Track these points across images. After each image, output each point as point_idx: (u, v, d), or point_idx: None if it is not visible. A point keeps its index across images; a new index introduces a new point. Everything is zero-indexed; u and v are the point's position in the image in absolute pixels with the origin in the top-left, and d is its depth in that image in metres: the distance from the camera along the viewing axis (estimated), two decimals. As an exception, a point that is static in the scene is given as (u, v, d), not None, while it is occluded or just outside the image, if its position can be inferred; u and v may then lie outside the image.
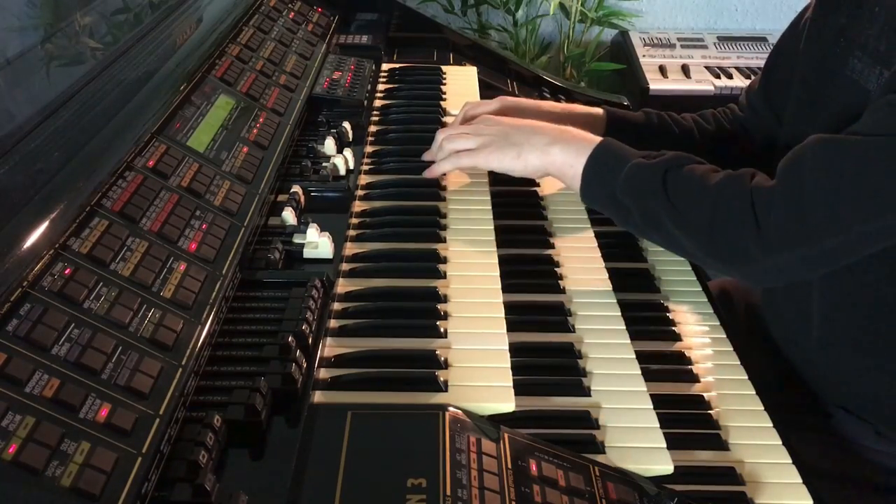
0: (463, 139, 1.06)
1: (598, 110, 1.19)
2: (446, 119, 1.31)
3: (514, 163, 1.01)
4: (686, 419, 0.84)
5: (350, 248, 0.98)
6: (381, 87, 1.43)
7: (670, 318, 0.99)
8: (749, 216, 0.85)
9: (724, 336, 0.97)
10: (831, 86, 0.95)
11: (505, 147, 1.02)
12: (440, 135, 1.10)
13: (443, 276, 0.93)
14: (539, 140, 1.00)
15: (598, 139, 0.98)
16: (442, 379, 0.77)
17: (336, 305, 0.88)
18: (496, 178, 1.13)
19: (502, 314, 0.88)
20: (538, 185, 1.19)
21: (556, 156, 0.99)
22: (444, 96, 1.40)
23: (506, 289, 0.92)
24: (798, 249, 0.84)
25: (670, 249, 0.98)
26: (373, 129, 1.28)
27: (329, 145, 1.11)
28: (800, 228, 0.83)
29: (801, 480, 0.77)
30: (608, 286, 0.99)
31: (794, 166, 0.84)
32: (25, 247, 0.61)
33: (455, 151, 1.06)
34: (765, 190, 0.85)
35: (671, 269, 1.07)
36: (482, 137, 1.04)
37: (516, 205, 1.12)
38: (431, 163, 1.10)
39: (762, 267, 0.87)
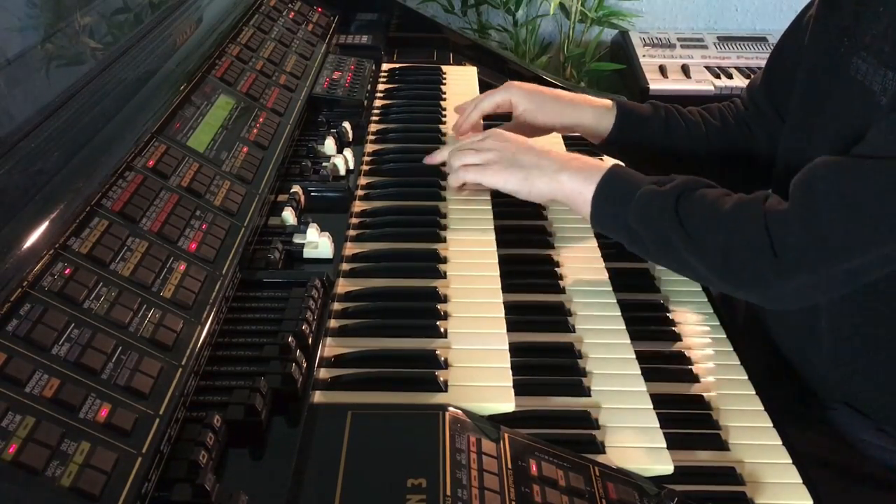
0: (469, 155, 1.06)
1: (608, 101, 1.19)
2: (446, 119, 1.31)
3: (520, 185, 1.01)
4: (686, 419, 0.84)
5: (350, 248, 0.98)
6: (381, 87, 1.43)
7: (670, 318, 0.99)
8: (764, 241, 0.84)
9: (724, 336, 0.97)
10: (835, 85, 0.95)
11: (512, 168, 1.02)
12: (445, 149, 1.12)
13: (443, 276, 0.93)
14: (548, 165, 1.00)
15: (608, 165, 0.98)
16: (442, 379, 0.77)
17: (336, 305, 0.88)
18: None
19: (502, 314, 0.88)
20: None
21: (564, 182, 0.98)
22: (444, 96, 1.40)
23: (506, 289, 0.92)
24: (815, 273, 0.84)
25: (683, 274, 0.97)
26: (373, 128, 1.28)
27: (329, 145, 1.11)
28: (817, 252, 0.83)
29: (801, 480, 0.78)
30: (608, 286, 0.99)
31: (807, 190, 0.84)
32: (25, 247, 0.61)
33: (462, 166, 1.06)
34: (779, 214, 0.85)
35: (671, 269, 1.07)
36: (489, 153, 1.04)
37: (516, 205, 1.11)
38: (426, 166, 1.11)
39: (779, 291, 0.87)
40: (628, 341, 0.90)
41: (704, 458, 0.80)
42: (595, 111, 1.18)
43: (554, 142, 1.27)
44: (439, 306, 0.88)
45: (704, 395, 0.88)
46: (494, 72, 1.60)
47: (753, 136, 1.16)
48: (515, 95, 1.17)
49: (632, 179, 0.96)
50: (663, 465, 0.75)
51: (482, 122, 1.23)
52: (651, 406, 0.81)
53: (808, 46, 1.02)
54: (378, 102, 1.37)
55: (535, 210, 1.13)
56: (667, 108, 1.19)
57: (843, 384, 1.03)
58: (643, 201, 0.92)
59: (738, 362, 0.93)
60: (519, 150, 1.04)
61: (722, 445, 0.82)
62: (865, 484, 1.00)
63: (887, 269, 0.85)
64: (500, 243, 1.01)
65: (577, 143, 1.29)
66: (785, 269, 0.84)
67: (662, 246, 0.92)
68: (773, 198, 0.88)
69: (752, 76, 1.21)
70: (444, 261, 0.96)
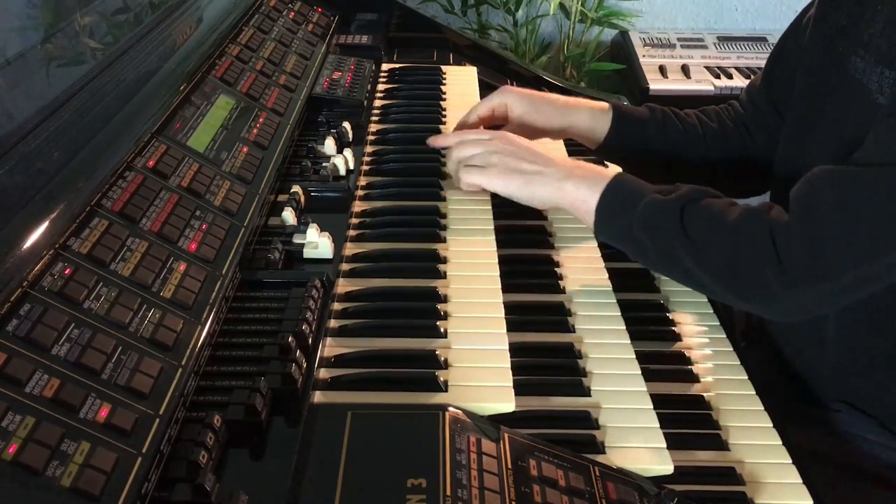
0: (470, 148, 1.04)
1: (604, 104, 1.18)
2: (446, 119, 1.31)
3: (520, 190, 1.00)
4: (686, 419, 0.84)
5: (350, 248, 0.98)
6: (381, 87, 1.43)
7: (670, 318, 0.99)
8: (770, 253, 0.83)
9: (724, 336, 0.97)
10: (834, 84, 0.95)
11: (513, 173, 1.00)
12: (454, 137, 1.09)
13: (443, 276, 0.93)
14: (551, 172, 0.98)
15: (612, 173, 0.96)
16: (442, 379, 0.77)
17: (336, 305, 0.88)
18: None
19: (502, 314, 0.88)
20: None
21: (568, 191, 0.97)
22: (444, 96, 1.40)
23: (506, 289, 0.92)
24: (820, 284, 0.83)
25: (687, 285, 0.96)
26: (373, 128, 1.28)
27: (329, 145, 1.11)
28: (821, 264, 0.82)
29: (801, 480, 0.78)
30: (608, 286, 0.99)
31: (808, 200, 0.83)
32: (25, 247, 0.61)
33: (464, 166, 1.05)
34: (783, 225, 0.84)
35: (671, 269, 1.07)
36: (492, 156, 1.02)
37: (516, 205, 1.11)
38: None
39: (785, 304, 0.86)
40: (628, 341, 0.90)
41: (704, 458, 0.80)
42: (591, 113, 1.16)
43: (555, 148, 1.26)
44: (439, 306, 0.88)
45: (704, 395, 0.88)
46: (494, 72, 1.60)
47: (752, 138, 1.16)
48: (511, 99, 1.16)
49: (636, 188, 0.94)
50: (663, 465, 0.75)
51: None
52: (651, 406, 0.81)
53: (808, 46, 1.02)
54: (378, 102, 1.37)
55: (535, 211, 1.12)
56: (663, 111, 1.19)
57: (844, 385, 1.03)
58: (647, 211, 0.91)
59: (738, 362, 0.93)
60: (523, 154, 1.01)
61: (722, 445, 0.82)
62: (868, 482, 1.00)
63: (893, 279, 0.84)
64: (500, 243, 1.01)
65: (577, 149, 1.29)
66: (790, 282, 0.83)
67: (667, 257, 0.91)
68: (776, 208, 0.87)
69: (752, 77, 1.21)
70: (444, 261, 0.96)
